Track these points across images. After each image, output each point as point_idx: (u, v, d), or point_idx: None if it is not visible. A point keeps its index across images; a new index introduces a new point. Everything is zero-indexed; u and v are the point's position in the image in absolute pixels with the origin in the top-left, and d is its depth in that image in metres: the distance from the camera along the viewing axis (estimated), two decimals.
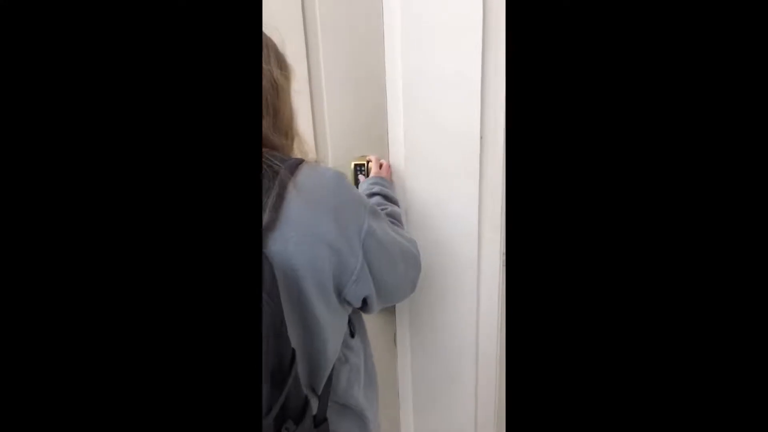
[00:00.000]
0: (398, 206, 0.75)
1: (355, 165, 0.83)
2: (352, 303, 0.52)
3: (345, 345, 0.56)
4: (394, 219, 0.68)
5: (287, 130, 0.54)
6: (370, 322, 0.92)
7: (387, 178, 0.80)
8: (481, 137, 0.73)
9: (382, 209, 0.70)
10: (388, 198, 0.74)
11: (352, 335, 0.58)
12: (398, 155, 0.79)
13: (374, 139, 0.83)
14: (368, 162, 0.83)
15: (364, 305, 0.55)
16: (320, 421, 0.52)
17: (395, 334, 0.91)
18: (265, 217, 0.44)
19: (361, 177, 0.82)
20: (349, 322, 0.57)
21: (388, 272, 0.54)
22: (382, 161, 0.83)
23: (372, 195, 0.74)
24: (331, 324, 0.51)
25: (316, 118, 0.85)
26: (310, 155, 0.56)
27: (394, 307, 0.88)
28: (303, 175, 0.47)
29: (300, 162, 0.48)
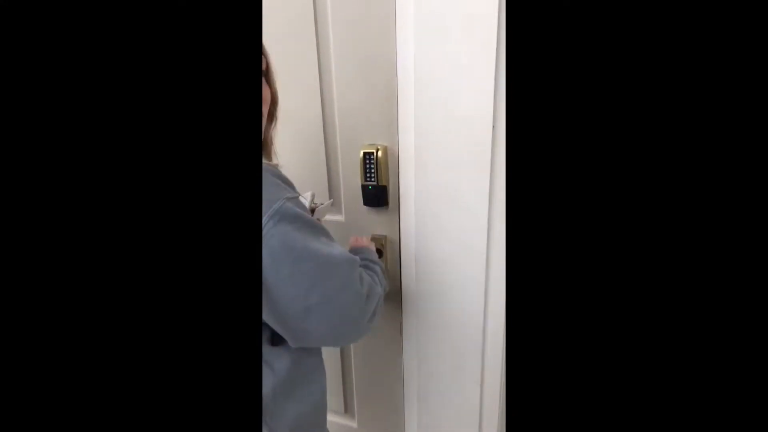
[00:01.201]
0: (380, 266, 0.74)
1: (365, 153, 0.82)
2: None
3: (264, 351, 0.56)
4: (370, 266, 0.70)
5: None
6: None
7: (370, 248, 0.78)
8: (493, 126, 0.73)
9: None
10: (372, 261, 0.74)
11: (273, 344, 0.58)
12: (408, 143, 0.78)
13: (384, 126, 0.83)
14: (377, 151, 0.82)
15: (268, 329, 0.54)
16: None
17: (401, 324, 0.90)
18: None
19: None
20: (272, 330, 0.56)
21: (286, 283, 0.50)
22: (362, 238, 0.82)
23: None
24: None
25: (326, 104, 0.84)
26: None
27: (400, 297, 0.88)
28: None
29: None
